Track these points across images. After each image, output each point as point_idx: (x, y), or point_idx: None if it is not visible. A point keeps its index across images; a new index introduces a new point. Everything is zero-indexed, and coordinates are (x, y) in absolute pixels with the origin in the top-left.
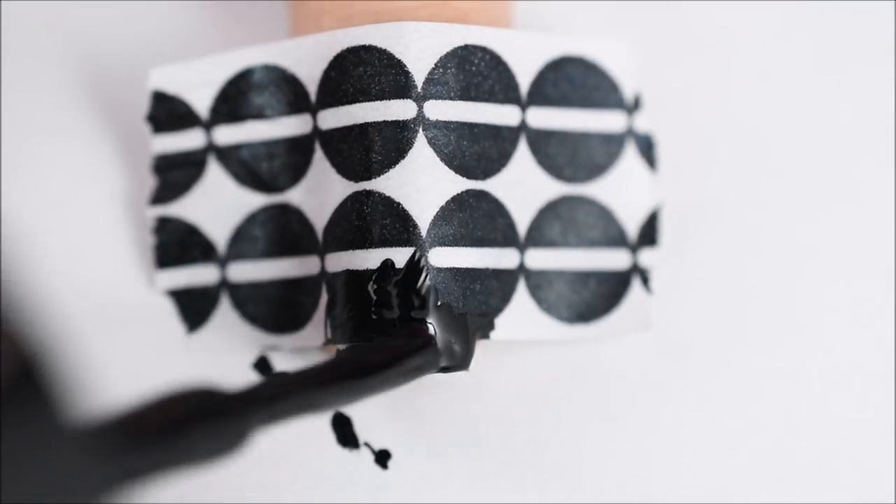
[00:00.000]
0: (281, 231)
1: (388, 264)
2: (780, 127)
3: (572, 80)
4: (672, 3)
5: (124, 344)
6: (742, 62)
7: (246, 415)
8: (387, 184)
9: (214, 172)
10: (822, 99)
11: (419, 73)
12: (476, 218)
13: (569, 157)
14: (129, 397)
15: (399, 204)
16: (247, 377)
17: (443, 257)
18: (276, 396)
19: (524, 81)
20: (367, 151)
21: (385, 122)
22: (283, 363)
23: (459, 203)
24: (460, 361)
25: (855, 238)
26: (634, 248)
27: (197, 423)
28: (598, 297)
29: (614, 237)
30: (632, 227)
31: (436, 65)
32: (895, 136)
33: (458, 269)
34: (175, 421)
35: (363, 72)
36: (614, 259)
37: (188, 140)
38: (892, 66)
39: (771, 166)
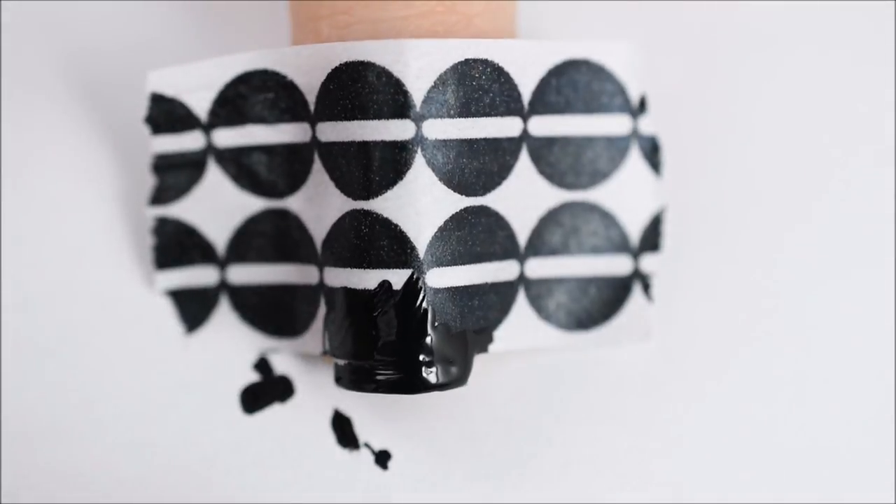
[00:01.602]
0: (280, 236)
1: (385, 286)
2: (785, 131)
3: (576, 84)
4: (676, 5)
5: (124, 344)
6: (747, 65)
7: None
8: (384, 205)
9: (214, 174)
10: (827, 102)
11: (418, 91)
12: (475, 234)
13: (571, 163)
14: (129, 398)
15: (397, 226)
16: (246, 378)
17: (440, 278)
18: None
19: (526, 91)
20: (366, 171)
21: (383, 142)
22: (284, 365)
23: (458, 221)
24: (458, 378)
25: (858, 244)
26: (636, 253)
27: None
28: (597, 304)
29: (616, 242)
30: (634, 232)
31: (435, 82)
32: (895, 137)
33: (456, 288)
34: None
35: (361, 88)
36: (615, 264)
37: (187, 141)
38: (892, 67)
39: (776, 171)
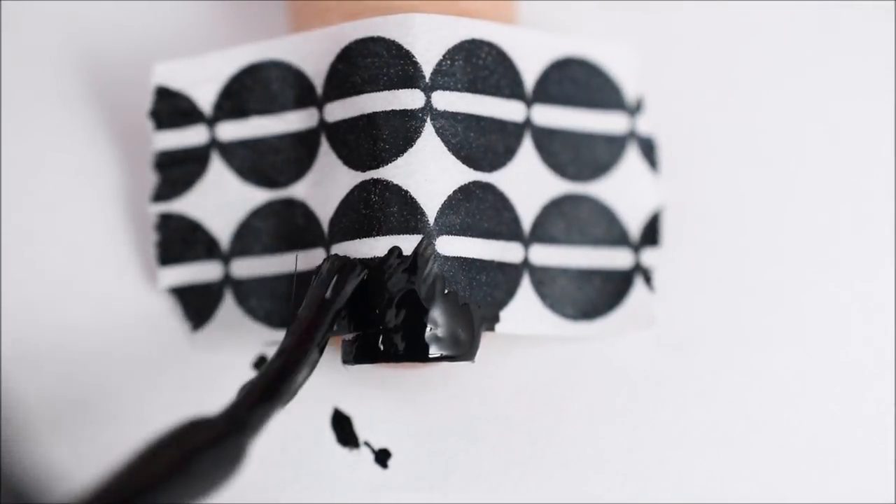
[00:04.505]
0: (285, 226)
1: (395, 251)
2: (780, 128)
3: (576, 80)
4: (674, 4)
5: (124, 344)
6: (743, 63)
7: (239, 433)
8: (395, 172)
9: (217, 168)
10: (822, 99)
11: (427, 63)
12: (482, 209)
13: (572, 155)
14: (129, 397)
15: (407, 192)
16: (247, 375)
17: (450, 246)
18: (255, 405)
19: (529, 79)
20: (375, 140)
21: (393, 111)
22: None
23: (466, 193)
24: (466, 351)
25: (855, 237)
26: (637, 248)
27: (199, 459)
28: (601, 294)
29: (617, 236)
30: (634, 227)
31: (443, 56)
32: (895, 137)
33: (465, 259)
34: (176, 462)
35: (371, 62)
36: (617, 258)
37: (191, 136)
38: (892, 67)
39: (771, 167)
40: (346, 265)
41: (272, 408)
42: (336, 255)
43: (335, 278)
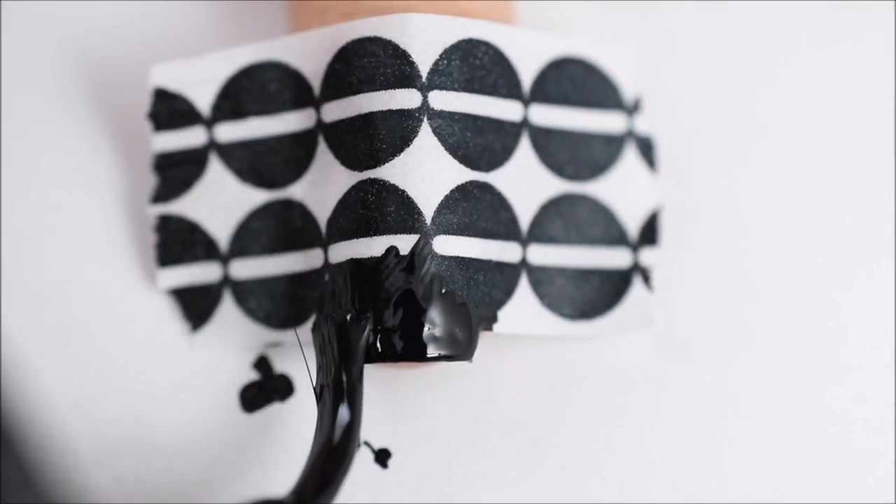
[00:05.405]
0: (283, 227)
1: (392, 251)
2: (779, 127)
3: (574, 80)
4: (673, 4)
5: (124, 344)
6: (742, 63)
7: None
8: (392, 172)
9: (216, 170)
10: (822, 99)
11: (424, 63)
12: (480, 209)
13: (570, 155)
14: (128, 397)
15: (404, 191)
16: (249, 376)
17: (447, 245)
18: (319, 487)
19: (526, 78)
20: (372, 140)
21: (390, 111)
22: (284, 361)
23: (464, 193)
24: (464, 351)
25: (855, 236)
26: (635, 248)
27: None
28: (600, 294)
29: (615, 236)
30: (632, 227)
31: (440, 56)
32: (895, 136)
33: (463, 259)
34: None
35: (368, 62)
36: (615, 257)
37: (189, 137)
38: (892, 67)
39: (770, 166)
40: (347, 320)
41: (336, 489)
42: (329, 311)
43: (342, 338)
